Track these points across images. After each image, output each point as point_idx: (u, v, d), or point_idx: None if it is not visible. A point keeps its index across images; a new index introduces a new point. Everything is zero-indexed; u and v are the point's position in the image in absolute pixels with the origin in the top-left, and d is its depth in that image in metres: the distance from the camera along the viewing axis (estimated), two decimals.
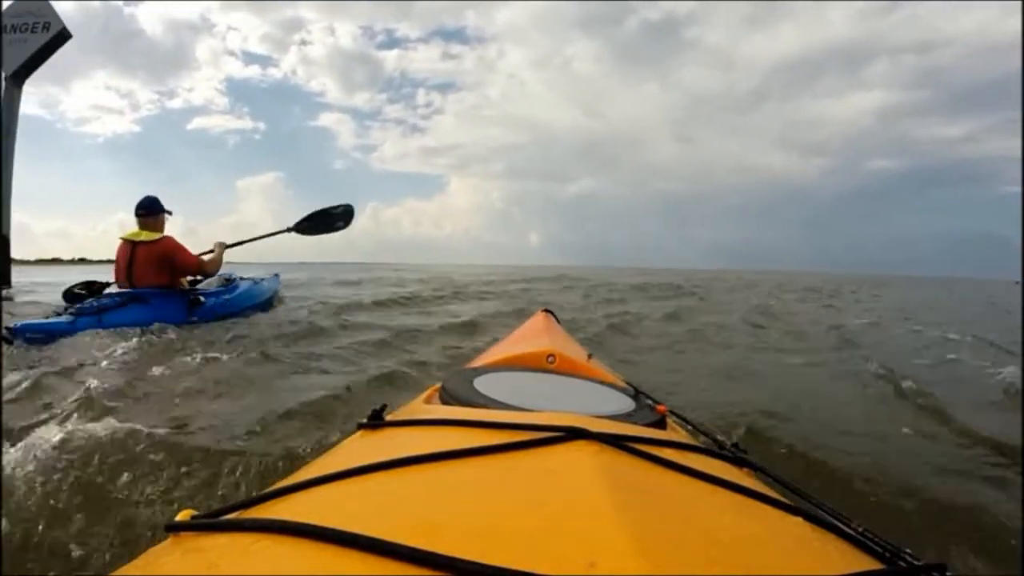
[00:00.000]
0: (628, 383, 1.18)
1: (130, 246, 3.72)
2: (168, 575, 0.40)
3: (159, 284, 3.72)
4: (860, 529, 0.52)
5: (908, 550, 0.49)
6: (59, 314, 3.46)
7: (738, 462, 0.71)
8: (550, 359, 1.25)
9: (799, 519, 0.51)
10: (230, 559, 0.39)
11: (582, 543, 0.36)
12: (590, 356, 1.35)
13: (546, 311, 2.02)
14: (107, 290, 3.93)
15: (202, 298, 4.07)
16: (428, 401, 0.97)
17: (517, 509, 0.44)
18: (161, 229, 3.83)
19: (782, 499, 0.55)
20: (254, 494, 0.52)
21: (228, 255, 4.23)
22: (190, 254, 3.91)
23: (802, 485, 0.69)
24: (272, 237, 4.71)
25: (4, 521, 1.06)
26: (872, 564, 0.47)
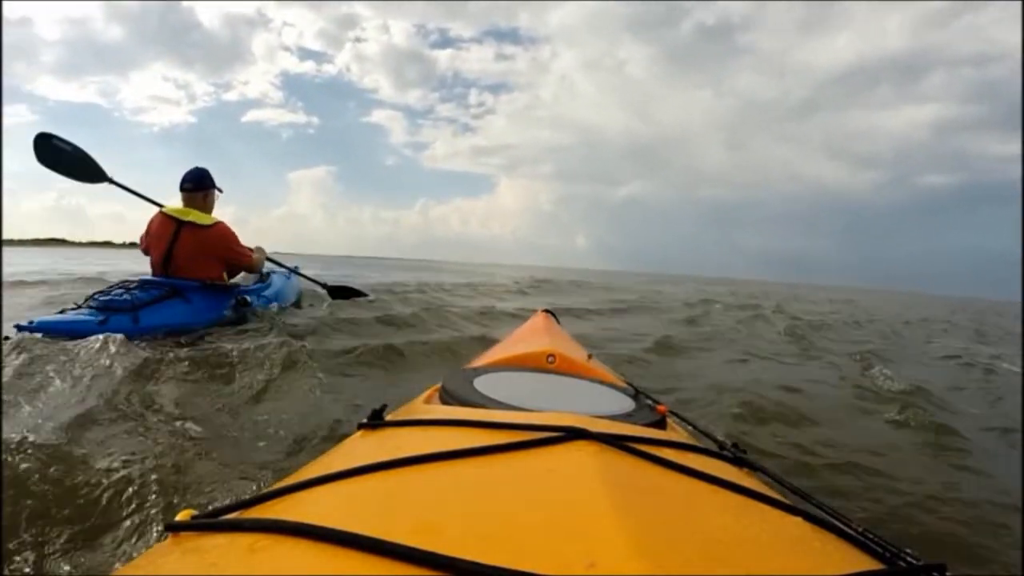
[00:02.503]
0: (628, 383, 1.18)
1: (173, 225, 2.99)
2: (168, 575, 0.40)
3: (205, 278, 3.03)
4: (860, 529, 0.52)
5: (908, 550, 0.49)
6: (79, 305, 2.71)
7: (738, 462, 0.71)
8: (550, 359, 1.25)
9: (799, 519, 0.51)
10: (230, 559, 0.39)
11: (582, 543, 0.36)
12: (590, 356, 1.35)
13: (546, 311, 2.02)
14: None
15: (248, 298, 3.49)
16: (428, 401, 0.97)
17: (517, 509, 0.44)
18: (210, 209, 3.18)
19: (782, 499, 0.55)
20: (254, 494, 0.52)
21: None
22: (244, 247, 3.30)
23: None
24: (309, 282, 4.44)
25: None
26: (872, 564, 0.47)
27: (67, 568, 0.99)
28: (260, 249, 3.57)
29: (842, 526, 0.52)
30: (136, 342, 2.34)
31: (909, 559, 0.48)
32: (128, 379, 1.91)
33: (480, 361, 1.39)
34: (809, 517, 0.52)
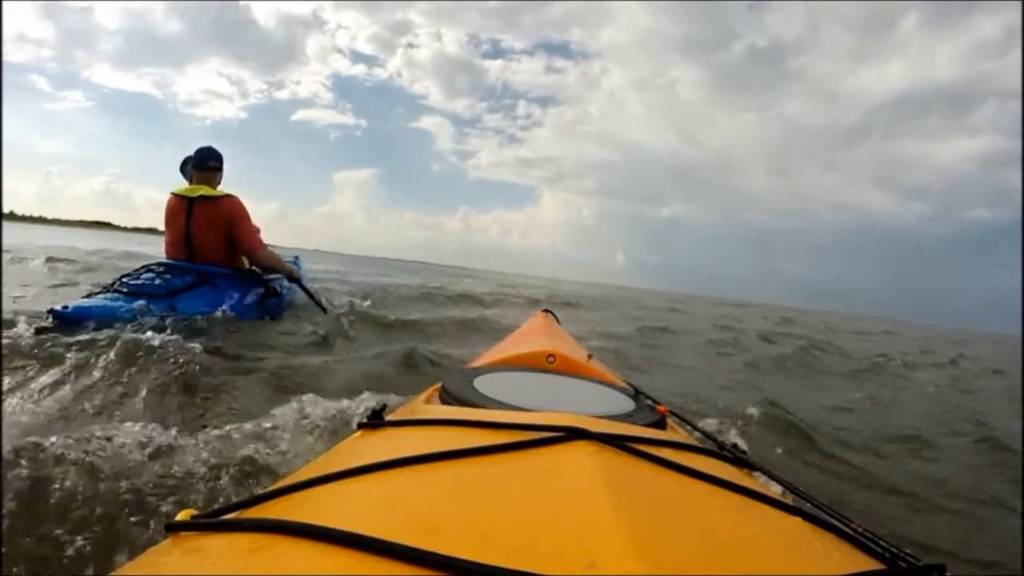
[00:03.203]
0: (628, 383, 1.18)
1: (185, 203, 2.88)
2: (168, 575, 0.40)
3: (223, 260, 2.94)
4: (860, 529, 0.52)
5: (908, 550, 0.50)
6: (107, 288, 2.58)
7: (738, 462, 0.71)
8: (550, 359, 1.25)
9: (799, 519, 0.51)
10: (230, 559, 0.39)
11: (582, 543, 0.36)
12: (590, 356, 1.35)
13: (546, 311, 2.02)
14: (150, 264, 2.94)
15: (279, 288, 3.29)
16: (428, 401, 0.97)
17: (517, 509, 0.44)
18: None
19: (782, 499, 0.55)
20: (254, 494, 0.52)
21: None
22: (253, 227, 3.09)
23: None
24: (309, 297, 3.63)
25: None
26: (872, 564, 0.47)
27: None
28: (279, 256, 3.36)
29: (842, 526, 0.52)
30: (175, 335, 2.20)
31: (909, 559, 0.48)
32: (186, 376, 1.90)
33: (480, 361, 1.39)
34: (809, 517, 0.52)
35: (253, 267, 3.21)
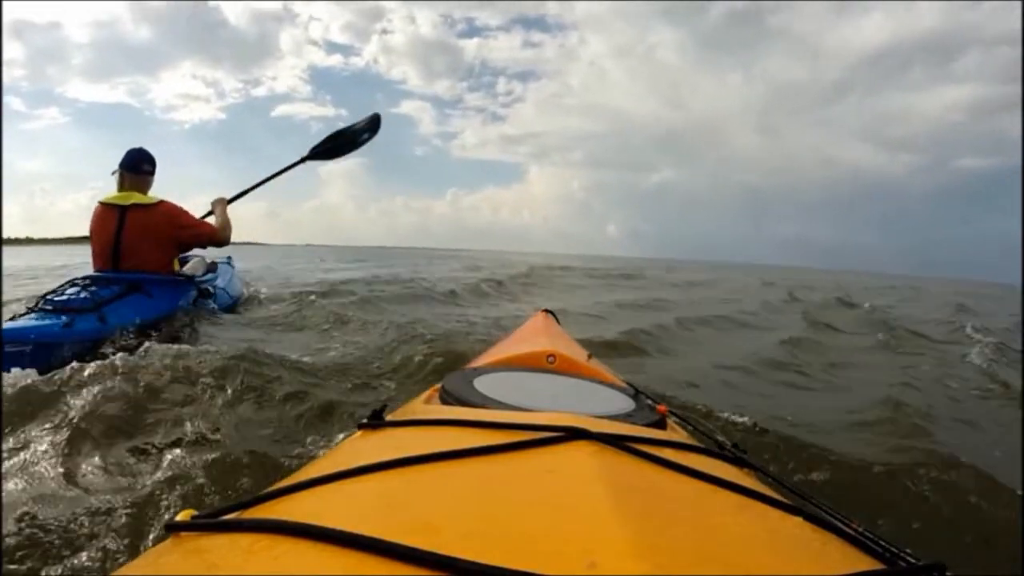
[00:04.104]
0: (628, 383, 1.18)
1: (116, 213, 2.71)
2: (168, 575, 0.40)
3: (155, 267, 2.76)
4: (860, 529, 0.52)
5: (908, 550, 0.50)
6: (31, 309, 2.37)
7: (738, 462, 0.71)
8: (550, 359, 1.25)
9: (799, 519, 0.51)
10: (230, 559, 0.39)
11: (582, 543, 0.36)
12: (590, 356, 1.35)
13: (546, 311, 2.02)
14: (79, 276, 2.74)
15: (211, 287, 3.26)
16: (428, 401, 0.97)
17: (517, 509, 0.44)
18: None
19: (782, 499, 0.55)
20: (254, 494, 0.52)
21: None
22: (198, 220, 2.97)
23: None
24: (286, 173, 3.52)
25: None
26: (872, 564, 0.47)
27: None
28: (220, 201, 3.14)
29: (842, 526, 0.52)
30: (108, 348, 2.16)
31: (909, 559, 0.48)
32: (123, 394, 1.75)
33: (480, 361, 1.39)
34: (809, 517, 0.52)
35: (183, 270, 3.10)
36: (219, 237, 2.99)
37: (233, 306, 3.72)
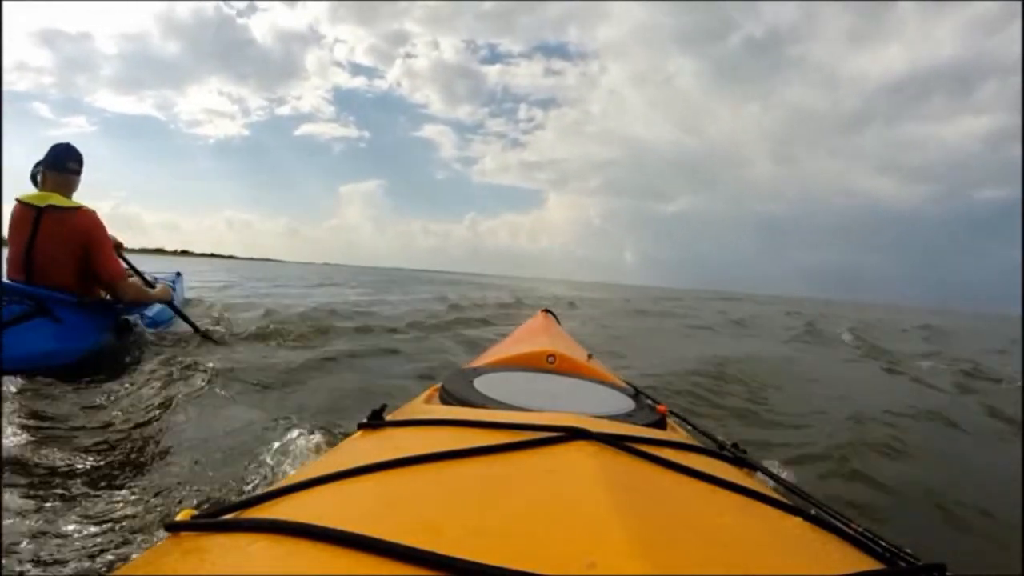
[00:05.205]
0: (628, 383, 1.18)
1: (32, 213, 2.26)
2: (168, 575, 0.40)
3: (70, 284, 2.30)
4: (860, 529, 0.52)
5: (908, 550, 0.50)
6: None
7: (738, 462, 0.71)
8: (550, 359, 1.25)
9: (799, 519, 0.51)
10: (230, 559, 0.39)
11: (582, 543, 0.36)
12: (590, 356, 1.35)
13: (546, 311, 2.02)
14: None
15: (134, 321, 2.65)
16: (428, 401, 0.97)
17: (517, 509, 0.44)
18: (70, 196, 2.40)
19: (782, 499, 0.55)
20: (254, 494, 0.52)
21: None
22: (113, 251, 2.49)
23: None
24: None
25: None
26: (872, 564, 0.47)
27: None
28: (163, 288, 2.81)
29: (842, 526, 0.52)
30: None
31: (909, 559, 0.48)
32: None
33: (480, 361, 1.39)
34: (809, 517, 0.52)
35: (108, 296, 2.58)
36: (123, 286, 2.49)
37: (161, 330, 3.04)
